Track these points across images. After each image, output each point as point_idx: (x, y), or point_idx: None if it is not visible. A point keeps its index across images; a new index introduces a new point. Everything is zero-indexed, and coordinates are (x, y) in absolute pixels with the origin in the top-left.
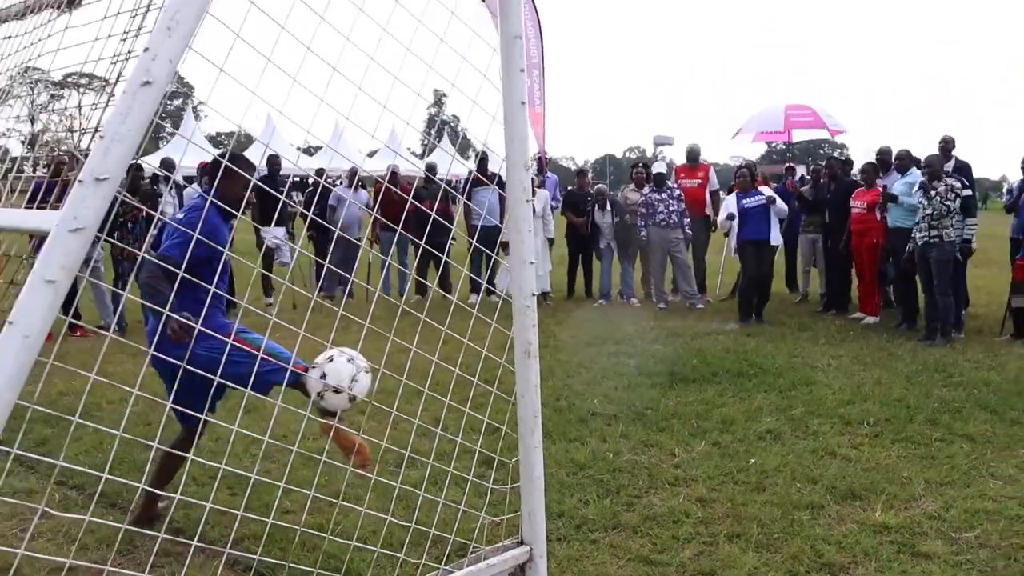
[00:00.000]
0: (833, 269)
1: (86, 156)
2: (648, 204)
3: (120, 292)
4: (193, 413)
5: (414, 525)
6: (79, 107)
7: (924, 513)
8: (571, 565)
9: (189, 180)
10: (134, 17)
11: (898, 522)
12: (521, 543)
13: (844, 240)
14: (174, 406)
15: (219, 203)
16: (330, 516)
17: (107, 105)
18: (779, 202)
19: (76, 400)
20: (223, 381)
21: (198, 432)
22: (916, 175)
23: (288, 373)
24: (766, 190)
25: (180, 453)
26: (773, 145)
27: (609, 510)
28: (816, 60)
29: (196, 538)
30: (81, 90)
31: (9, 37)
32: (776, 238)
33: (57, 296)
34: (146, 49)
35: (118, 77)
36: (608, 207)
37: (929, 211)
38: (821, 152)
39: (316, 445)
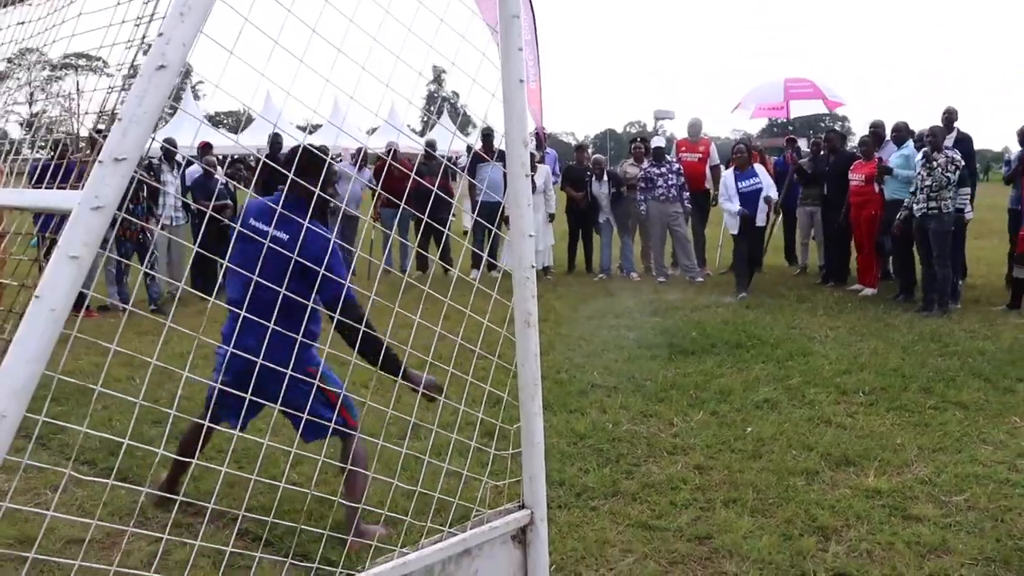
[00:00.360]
0: (832, 241)
1: (100, 135)
2: (647, 178)
3: (135, 265)
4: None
5: (419, 490)
6: (77, 88)
7: (916, 478)
8: (572, 531)
9: (193, 159)
10: (147, 3)
11: (890, 487)
12: (522, 507)
13: (843, 213)
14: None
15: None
16: (336, 487)
17: (123, 88)
18: (771, 193)
19: (84, 379)
20: (308, 417)
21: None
22: (912, 147)
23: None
24: (761, 171)
25: (206, 425)
26: (774, 119)
27: (609, 478)
28: (815, 36)
29: (212, 500)
30: (79, 71)
31: (23, 23)
32: (761, 220)
33: (80, 271)
34: (160, 34)
35: (132, 62)
36: (605, 178)
37: (928, 182)
38: (822, 125)
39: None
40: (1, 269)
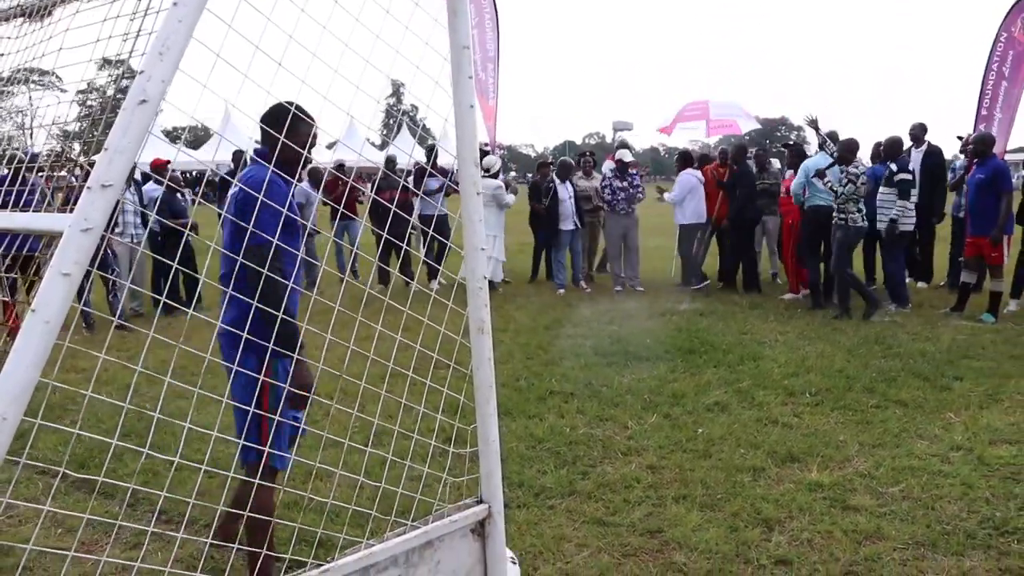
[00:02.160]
0: (727, 249)
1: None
2: (612, 191)
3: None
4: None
5: (383, 486)
6: (31, 104)
7: (856, 472)
8: (530, 528)
9: (147, 177)
10: (126, 41)
11: (832, 480)
12: (480, 501)
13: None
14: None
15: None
16: (303, 492)
17: (107, 108)
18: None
19: (51, 394)
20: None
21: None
22: (810, 163)
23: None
24: (683, 178)
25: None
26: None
27: (565, 479)
28: (777, 40)
29: (183, 524)
30: (31, 86)
31: (2, 54)
32: (681, 218)
33: (72, 287)
34: (141, 71)
35: (115, 93)
36: (568, 183)
37: (837, 193)
38: (777, 135)
39: None
40: None
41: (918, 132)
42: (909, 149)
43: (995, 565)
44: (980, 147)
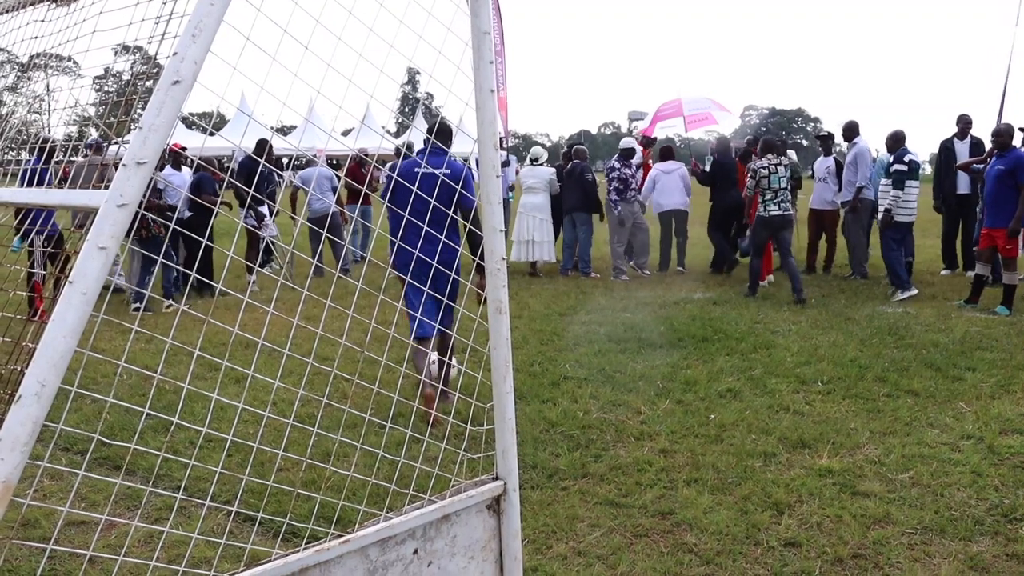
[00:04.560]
0: (717, 238)
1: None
2: (622, 179)
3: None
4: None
5: (403, 460)
6: (48, 89)
7: (866, 458)
8: (543, 509)
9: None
10: (158, 24)
11: (842, 466)
12: (496, 478)
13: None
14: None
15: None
16: (322, 472)
17: (136, 94)
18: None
19: (72, 375)
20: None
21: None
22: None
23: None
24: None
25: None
26: (747, 119)
27: (579, 461)
28: (792, 24)
29: (209, 496)
30: (49, 71)
31: (36, 37)
32: (676, 203)
33: (107, 260)
34: (175, 53)
35: (148, 74)
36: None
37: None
38: (794, 126)
39: (304, 411)
40: None
41: (966, 125)
42: (952, 138)
43: (1002, 551)
44: (1002, 139)
